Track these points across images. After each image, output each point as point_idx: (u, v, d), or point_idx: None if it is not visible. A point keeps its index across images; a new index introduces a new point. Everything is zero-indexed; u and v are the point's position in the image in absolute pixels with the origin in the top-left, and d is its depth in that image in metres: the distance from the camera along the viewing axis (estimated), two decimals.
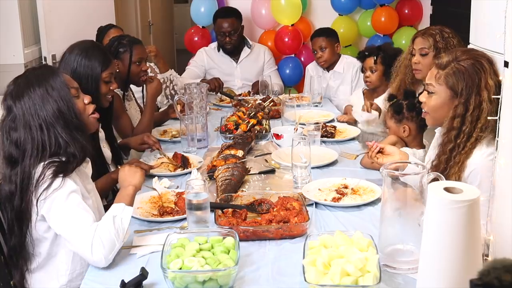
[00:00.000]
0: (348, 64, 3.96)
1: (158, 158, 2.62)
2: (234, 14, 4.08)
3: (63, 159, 1.81)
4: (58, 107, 1.83)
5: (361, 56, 3.52)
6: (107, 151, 2.55)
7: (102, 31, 3.61)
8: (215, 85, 3.80)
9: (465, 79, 1.89)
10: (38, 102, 1.82)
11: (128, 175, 1.94)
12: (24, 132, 1.80)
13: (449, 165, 1.93)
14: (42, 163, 1.77)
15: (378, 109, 3.07)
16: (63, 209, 1.73)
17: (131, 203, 1.83)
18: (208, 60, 4.17)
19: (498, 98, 1.85)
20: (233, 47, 4.11)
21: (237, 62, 4.18)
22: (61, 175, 1.75)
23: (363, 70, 3.48)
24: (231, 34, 4.04)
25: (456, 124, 1.91)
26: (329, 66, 3.99)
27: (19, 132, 1.80)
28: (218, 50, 4.18)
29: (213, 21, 4.18)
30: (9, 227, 1.83)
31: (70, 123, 1.85)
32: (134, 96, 3.24)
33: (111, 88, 2.44)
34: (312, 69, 4.11)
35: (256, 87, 3.89)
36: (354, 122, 3.37)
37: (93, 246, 1.66)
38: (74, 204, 1.74)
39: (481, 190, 1.77)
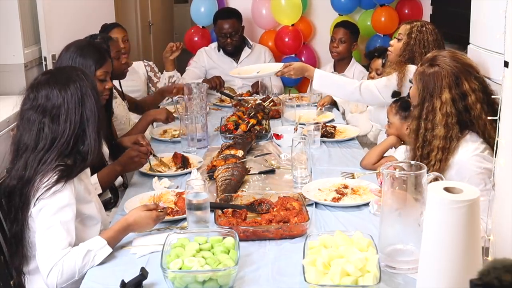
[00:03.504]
0: (359, 72, 3.96)
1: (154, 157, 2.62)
2: (234, 15, 4.07)
3: (69, 162, 1.80)
4: (96, 106, 1.84)
5: (370, 56, 3.54)
6: (104, 148, 2.55)
7: (106, 28, 3.61)
8: (216, 83, 3.80)
9: (423, 83, 1.96)
10: (82, 96, 1.82)
11: (141, 221, 1.82)
12: (62, 123, 1.79)
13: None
14: (51, 165, 1.75)
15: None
16: (47, 220, 1.71)
17: (114, 244, 1.77)
18: (208, 60, 4.17)
19: (459, 111, 1.90)
20: (234, 48, 4.11)
21: (237, 62, 4.18)
22: (64, 180, 1.74)
23: (368, 69, 3.49)
24: (231, 35, 4.04)
25: (413, 126, 1.99)
26: (339, 69, 4.01)
27: (55, 122, 1.78)
28: (218, 50, 4.17)
29: (213, 22, 4.17)
30: (15, 213, 1.80)
31: (101, 124, 1.87)
32: (122, 93, 3.21)
33: (106, 87, 2.41)
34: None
35: (256, 87, 3.90)
36: (333, 104, 3.42)
37: (52, 270, 1.65)
38: (60, 221, 1.71)
39: (471, 185, 1.81)
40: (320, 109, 3.35)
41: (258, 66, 3.31)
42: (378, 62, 3.40)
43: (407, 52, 2.73)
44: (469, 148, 1.92)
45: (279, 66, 3.03)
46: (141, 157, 2.38)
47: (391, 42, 2.87)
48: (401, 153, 2.44)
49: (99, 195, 2.27)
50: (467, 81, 1.93)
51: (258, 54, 4.24)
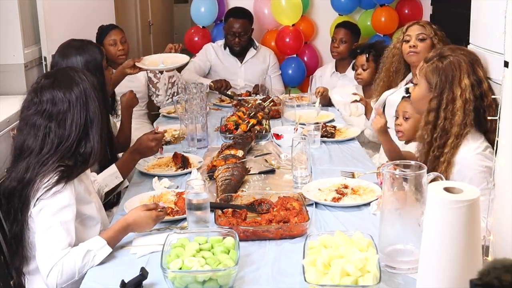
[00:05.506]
0: None
1: (158, 158, 2.62)
2: (246, 16, 4.09)
3: (69, 162, 1.80)
4: (99, 108, 1.85)
5: (353, 54, 3.57)
6: None
7: (103, 30, 3.61)
8: (222, 85, 3.81)
9: (439, 75, 1.98)
10: (86, 99, 1.82)
11: (140, 221, 1.81)
12: (68, 127, 1.79)
13: (428, 159, 1.99)
14: (52, 166, 1.75)
15: (363, 102, 3.11)
16: (47, 221, 1.71)
17: (114, 243, 1.76)
18: (214, 56, 4.18)
19: (477, 97, 1.94)
20: (241, 47, 4.12)
21: (241, 62, 4.19)
22: (64, 180, 1.74)
23: (354, 67, 3.52)
24: (241, 35, 4.05)
25: (431, 118, 1.99)
26: (341, 69, 4.02)
27: (61, 126, 1.79)
28: (225, 48, 4.18)
29: (224, 19, 4.18)
30: (15, 214, 1.80)
31: (104, 126, 1.88)
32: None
33: (110, 72, 2.53)
34: (322, 70, 4.16)
35: (257, 89, 3.90)
36: (328, 101, 3.43)
37: (52, 270, 1.65)
38: (60, 221, 1.71)
39: (474, 184, 1.81)
40: (318, 97, 3.34)
41: (162, 56, 3.28)
42: (362, 58, 3.45)
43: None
44: (471, 146, 1.93)
45: (185, 58, 3.18)
46: (159, 144, 2.46)
47: (413, 43, 2.79)
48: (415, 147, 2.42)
49: (119, 184, 2.32)
50: (480, 68, 1.98)
51: (263, 56, 4.25)
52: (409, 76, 2.99)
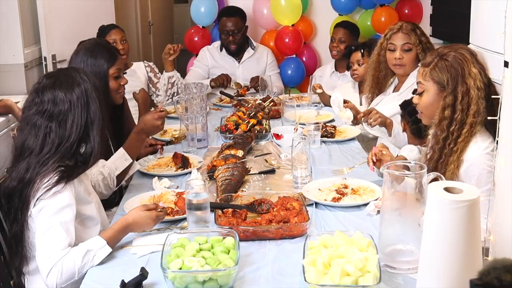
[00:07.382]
0: None
1: (158, 158, 2.62)
2: (238, 14, 4.09)
3: (69, 163, 1.81)
4: (100, 108, 1.85)
5: (348, 51, 3.60)
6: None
7: (103, 30, 3.62)
8: (223, 80, 3.83)
9: (448, 71, 1.98)
10: (87, 100, 1.82)
11: (140, 221, 1.81)
12: (69, 128, 1.79)
13: (444, 153, 1.99)
14: (52, 166, 1.76)
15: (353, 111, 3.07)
16: (47, 221, 1.71)
17: (114, 243, 1.76)
18: (211, 58, 4.18)
19: (486, 84, 1.94)
20: (236, 46, 4.11)
21: (239, 62, 4.19)
22: (64, 181, 1.75)
23: (350, 65, 3.54)
24: (234, 33, 4.05)
25: (447, 114, 1.98)
26: (340, 69, 4.02)
27: (62, 126, 1.79)
28: (221, 50, 4.18)
29: (217, 19, 4.19)
30: (15, 214, 1.80)
31: (104, 126, 1.88)
32: None
33: (121, 83, 2.47)
34: (322, 70, 4.16)
35: (254, 82, 3.90)
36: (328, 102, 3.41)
37: (52, 270, 1.65)
38: (60, 221, 1.71)
39: (481, 183, 1.83)
40: (317, 91, 3.35)
41: None
42: (358, 54, 3.47)
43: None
44: (480, 145, 1.94)
45: None
46: (163, 122, 2.45)
47: (398, 56, 2.83)
48: (408, 151, 2.43)
49: (129, 168, 2.32)
50: (479, 58, 2.00)
51: (260, 55, 4.25)
52: (395, 81, 3.02)
